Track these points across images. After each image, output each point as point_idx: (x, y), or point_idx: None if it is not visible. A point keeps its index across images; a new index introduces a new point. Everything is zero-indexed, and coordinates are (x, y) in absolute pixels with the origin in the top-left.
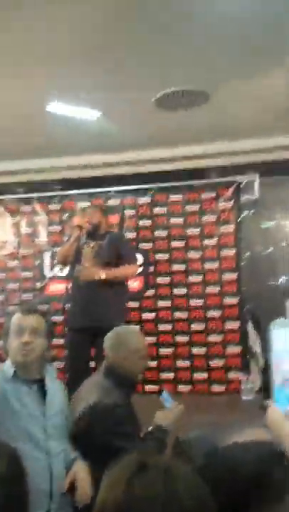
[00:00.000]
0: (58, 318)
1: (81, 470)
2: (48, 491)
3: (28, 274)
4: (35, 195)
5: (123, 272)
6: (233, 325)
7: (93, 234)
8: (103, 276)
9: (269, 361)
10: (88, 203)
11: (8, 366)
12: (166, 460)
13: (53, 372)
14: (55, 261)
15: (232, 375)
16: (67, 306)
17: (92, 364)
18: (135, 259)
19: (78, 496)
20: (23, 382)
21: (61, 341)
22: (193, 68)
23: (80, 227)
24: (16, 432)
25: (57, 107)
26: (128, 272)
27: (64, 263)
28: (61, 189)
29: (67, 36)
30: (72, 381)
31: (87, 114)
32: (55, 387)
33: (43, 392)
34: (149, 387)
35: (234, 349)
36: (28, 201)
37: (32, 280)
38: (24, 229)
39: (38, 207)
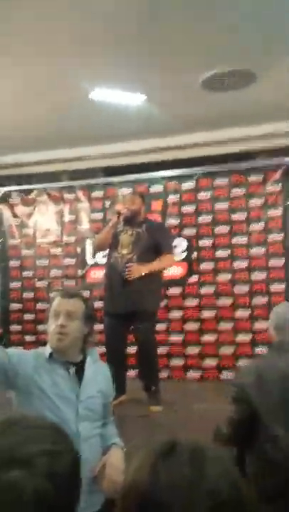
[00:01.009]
0: (99, 304)
1: (115, 457)
2: None
3: (70, 261)
4: (78, 182)
5: (162, 265)
6: None
7: (131, 221)
8: (144, 272)
9: None
10: (131, 190)
11: (47, 348)
12: (195, 441)
13: (96, 355)
14: (92, 247)
15: None
16: (105, 293)
17: (129, 349)
18: (172, 249)
19: (105, 483)
20: (60, 364)
21: (101, 327)
22: (239, 48)
23: (118, 213)
24: (47, 412)
25: (100, 94)
26: (166, 264)
27: (101, 249)
28: (104, 176)
29: (111, 20)
30: (110, 368)
31: (131, 98)
32: (96, 370)
33: (81, 375)
34: (190, 374)
35: None
36: (71, 189)
37: (74, 267)
38: (67, 216)
39: (80, 194)
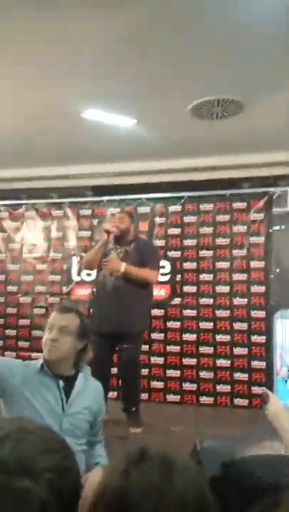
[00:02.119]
0: None
1: (95, 476)
2: None
3: (55, 277)
4: (66, 200)
5: (144, 274)
6: (259, 339)
7: (121, 239)
8: (122, 269)
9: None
10: (118, 210)
11: (39, 360)
12: (165, 450)
13: (88, 372)
14: (81, 265)
15: (256, 389)
16: (92, 310)
17: (114, 370)
18: (157, 267)
19: (82, 501)
20: (50, 376)
21: None
22: (229, 78)
23: (108, 231)
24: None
25: (92, 114)
26: (147, 275)
27: (90, 267)
28: (92, 195)
29: (102, 44)
30: None
31: (122, 121)
32: (87, 386)
33: (71, 390)
34: (170, 397)
35: (259, 364)
36: (59, 206)
37: (59, 284)
38: (54, 233)
39: (69, 212)
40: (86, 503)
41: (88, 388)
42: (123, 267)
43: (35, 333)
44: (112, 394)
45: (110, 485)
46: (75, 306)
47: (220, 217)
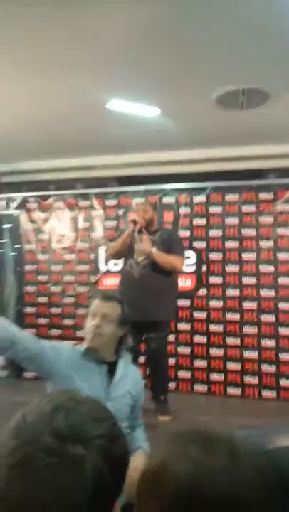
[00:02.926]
0: None
1: (139, 461)
2: None
3: (83, 267)
4: (92, 190)
5: (171, 260)
6: (286, 331)
7: (146, 229)
8: (154, 250)
9: None
10: (143, 200)
11: (83, 345)
12: (228, 433)
13: (128, 358)
14: (108, 255)
15: (284, 381)
16: None
17: (141, 359)
18: (182, 255)
19: (127, 487)
20: (93, 361)
21: None
22: (254, 67)
23: (134, 221)
24: None
25: (117, 104)
26: (175, 262)
27: (115, 257)
28: (117, 185)
29: (126, 34)
30: None
31: (147, 111)
32: (127, 372)
33: (112, 375)
34: (197, 387)
35: (287, 356)
36: (86, 196)
37: (87, 273)
38: (81, 223)
39: (95, 202)
40: (132, 487)
41: (129, 374)
42: (154, 249)
43: (67, 321)
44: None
45: (177, 471)
46: (117, 294)
47: (246, 208)
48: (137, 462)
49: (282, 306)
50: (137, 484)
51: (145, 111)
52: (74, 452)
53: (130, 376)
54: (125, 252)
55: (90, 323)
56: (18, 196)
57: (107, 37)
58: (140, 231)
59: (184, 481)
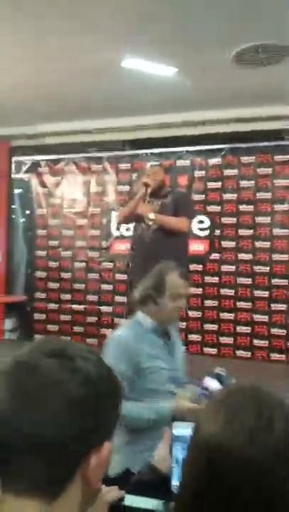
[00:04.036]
0: (122, 276)
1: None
2: None
3: (95, 232)
4: (105, 154)
5: (172, 221)
6: None
7: (157, 192)
8: (152, 216)
9: None
10: (157, 163)
11: (145, 319)
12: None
13: (175, 329)
14: (119, 219)
15: None
16: (130, 264)
17: None
18: (188, 215)
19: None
20: (161, 336)
21: (123, 299)
22: (274, 22)
23: (146, 184)
24: (151, 383)
25: (132, 63)
26: (177, 223)
27: (127, 221)
28: (131, 149)
29: None
30: None
31: (163, 70)
32: (177, 342)
33: (170, 347)
34: (207, 350)
35: None
36: (98, 160)
37: (99, 238)
38: (94, 187)
39: (108, 166)
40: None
41: (179, 344)
42: (152, 213)
43: (77, 286)
44: None
45: (230, 446)
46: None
47: (261, 171)
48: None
49: None
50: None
51: (161, 70)
52: (71, 362)
53: (180, 346)
54: (136, 216)
55: (173, 304)
56: (29, 160)
57: None
58: (150, 200)
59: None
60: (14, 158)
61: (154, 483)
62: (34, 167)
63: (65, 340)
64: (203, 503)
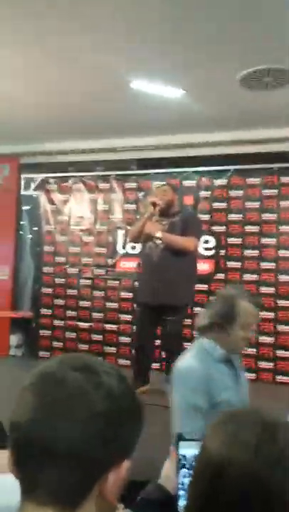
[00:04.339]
0: (128, 294)
1: None
2: None
3: (101, 249)
4: (112, 173)
5: (179, 241)
6: None
7: (166, 212)
8: (159, 234)
9: None
10: (163, 183)
11: (213, 347)
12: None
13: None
14: (127, 237)
15: None
16: (137, 283)
17: (158, 342)
18: (196, 235)
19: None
20: (229, 365)
21: (128, 317)
22: (281, 46)
23: (154, 204)
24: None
25: (140, 85)
26: (184, 243)
27: (135, 240)
28: (138, 168)
29: (151, 13)
30: (137, 357)
31: (170, 92)
32: (242, 370)
33: (237, 376)
34: None
35: None
36: (106, 179)
37: (105, 256)
38: (100, 205)
39: (114, 184)
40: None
41: (242, 367)
42: (159, 232)
43: (83, 303)
44: (156, 365)
45: (240, 459)
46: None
47: (267, 192)
48: None
49: None
50: None
51: (169, 92)
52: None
53: (242, 369)
54: (145, 235)
55: (245, 333)
56: (38, 177)
57: (132, 17)
58: (159, 219)
59: (243, 471)
60: (23, 175)
61: (160, 503)
62: (43, 184)
63: (89, 355)
64: None
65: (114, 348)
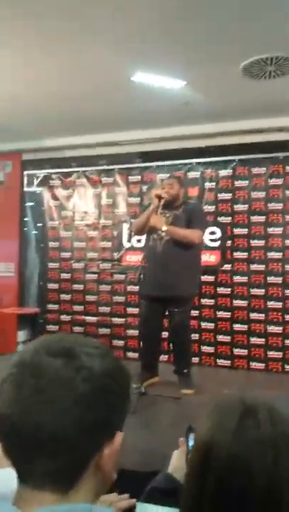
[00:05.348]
0: (134, 288)
1: None
2: None
3: (106, 244)
4: (116, 167)
5: (185, 233)
6: None
7: (170, 205)
8: (164, 228)
9: None
10: (168, 175)
11: None
12: (268, 401)
13: None
14: (132, 231)
15: None
16: (142, 275)
17: (164, 334)
18: (201, 227)
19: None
20: None
21: (135, 310)
22: (283, 34)
23: (159, 197)
24: None
25: (141, 77)
26: (189, 235)
27: (140, 233)
28: (141, 161)
29: (152, 5)
30: (145, 349)
31: (172, 83)
32: None
33: None
34: (220, 362)
35: None
36: (109, 173)
37: (110, 250)
38: (105, 200)
39: (118, 178)
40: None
41: None
42: (165, 226)
43: (89, 297)
44: (164, 357)
45: (223, 440)
46: None
47: (272, 181)
48: None
49: None
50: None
51: (170, 83)
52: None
53: None
54: (149, 227)
55: None
56: (41, 173)
57: (133, 9)
58: (163, 212)
59: (228, 453)
60: (26, 172)
61: (169, 492)
62: (46, 180)
63: (71, 336)
64: (203, 501)
65: (122, 342)
